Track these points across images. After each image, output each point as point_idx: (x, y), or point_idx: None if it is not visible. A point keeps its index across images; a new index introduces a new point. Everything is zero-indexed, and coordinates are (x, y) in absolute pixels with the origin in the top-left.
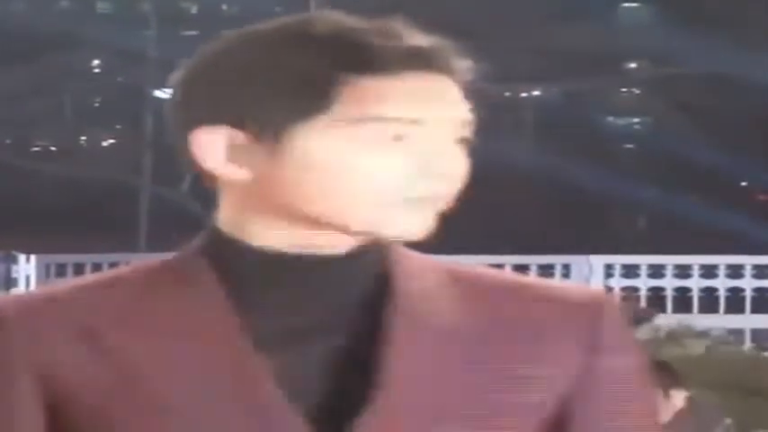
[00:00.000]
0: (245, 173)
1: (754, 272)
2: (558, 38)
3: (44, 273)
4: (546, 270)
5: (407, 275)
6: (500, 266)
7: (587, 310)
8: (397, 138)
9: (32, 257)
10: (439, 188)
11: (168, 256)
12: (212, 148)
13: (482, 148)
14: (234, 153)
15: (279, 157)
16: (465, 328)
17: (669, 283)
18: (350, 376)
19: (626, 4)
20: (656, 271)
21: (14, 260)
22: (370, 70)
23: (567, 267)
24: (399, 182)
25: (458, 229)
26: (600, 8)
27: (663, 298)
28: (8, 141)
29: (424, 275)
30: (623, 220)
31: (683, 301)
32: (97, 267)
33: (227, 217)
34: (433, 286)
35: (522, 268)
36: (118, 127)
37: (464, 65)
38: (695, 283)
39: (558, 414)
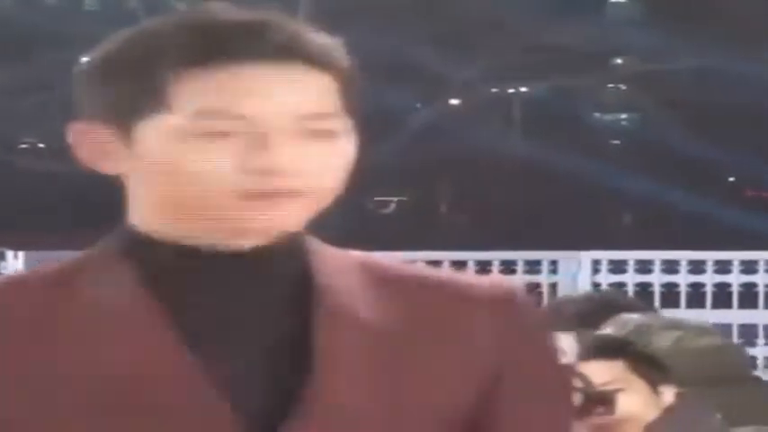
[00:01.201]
0: (115, 168)
1: (742, 267)
2: (546, 34)
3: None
4: (533, 266)
5: (327, 271)
6: (487, 263)
7: (499, 305)
8: (220, 133)
9: (20, 254)
10: (270, 183)
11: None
12: (79, 141)
13: (470, 144)
14: (102, 148)
15: (134, 154)
16: (384, 325)
17: (657, 278)
18: (277, 374)
19: (613, 0)
20: (644, 267)
21: (2, 257)
22: (201, 64)
23: (554, 263)
24: (223, 178)
25: (444, 225)
26: (587, 5)
27: (651, 294)
28: None
29: (342, 271)
30: (611, 215)
31: (669, 297)
32: None
33: (132, 212)
34: (352, 282)
35: (508, 264)
36: None
37: (334, 58)
38: (683, 279)
39: (474, 412)
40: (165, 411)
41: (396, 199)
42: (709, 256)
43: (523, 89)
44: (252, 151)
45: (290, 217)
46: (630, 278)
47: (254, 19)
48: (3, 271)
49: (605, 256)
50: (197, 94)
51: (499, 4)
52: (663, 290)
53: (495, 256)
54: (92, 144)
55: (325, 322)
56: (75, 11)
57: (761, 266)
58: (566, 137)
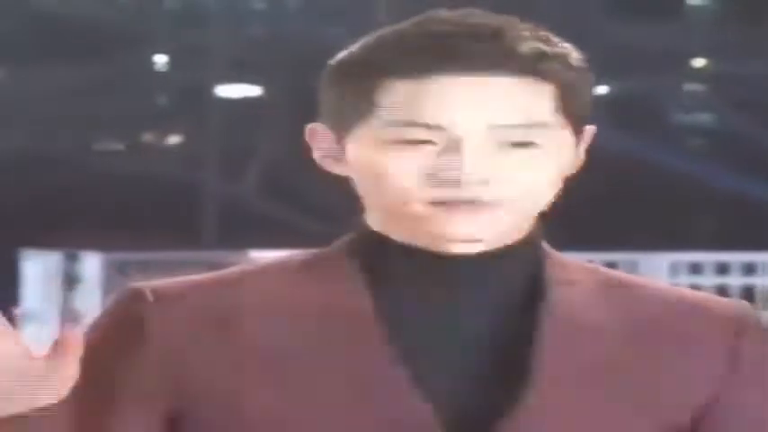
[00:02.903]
0: (338, 170)
1: None
2: (624, 35)
3: (108, 270)
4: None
5: (560, 280)
6: None
7: (731, 324)
8: (416, 141)
9: (96, 255)
10: (456, 194)
11: (267, 255)
12: (314, 141)
13: None
14: (328, 150)
15: (347, 158)
16: (613, 336)
17: (735, 281)
18: (492, 378)
19: (692, 2)
20: (724, 268)
21: (78, 258)
22: (409, 75)
23: (633, 264)
24: (413, 186)
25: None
26: (665, 5)
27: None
28: (72, 139)
29: (576, 280)
30: (692, 216)
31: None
32: (162, 265)
33: (368, 213)
34: (585, 292)
35: None
36: (182, 125)
37: (553, 68)
38: (761, 281)
39: (692, 428)
40: (369, 407)
41: None
42: None
43: (602, 89)
44: (440, 161)
45: (478, 227)
46: (708, 280)
47: (473, 27)
48: (79, 273)
49: (684, 258)
50: (398, 104)
51: (576, 4)
52: (742, 292)
53: (573, 257)
54: (320, 146)
55: (553, 333)
56: (154, 9)
57: None
58: (646, 137)
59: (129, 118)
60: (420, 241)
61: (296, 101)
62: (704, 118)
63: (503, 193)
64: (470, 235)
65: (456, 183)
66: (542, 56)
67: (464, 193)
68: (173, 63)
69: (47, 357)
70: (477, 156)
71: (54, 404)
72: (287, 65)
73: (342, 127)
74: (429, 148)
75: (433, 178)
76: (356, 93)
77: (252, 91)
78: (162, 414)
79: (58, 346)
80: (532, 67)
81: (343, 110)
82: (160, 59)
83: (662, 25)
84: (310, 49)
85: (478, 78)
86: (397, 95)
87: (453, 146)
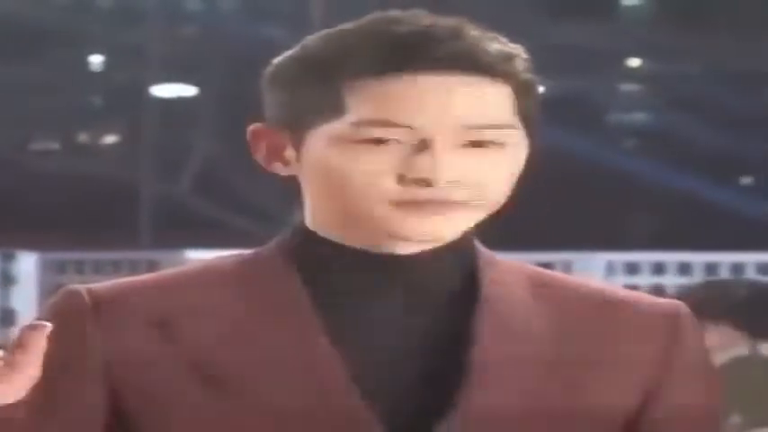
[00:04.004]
0: (286, 171)
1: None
2: (559, 34)
3: (44, 270)
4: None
5: (493, 279)
6: None
7: (664, 326)
8: (380, 141)
9: (32, 255)
10: (426, 194)
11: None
12: (255, 142)
13: None
14: (276, 151)
15: (302, 158)
16: (545, 336)
17: (671, 281)
18: (428, 377)
19: (627, 2)
20: (660, 269)
21: (14, 258)
22: (375, 74)
23: (569, 264)
24: (380, 186)
25: None
26: (601, 4)
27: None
28: (8, 138)
29: (510, 280)
30: (626, 216)
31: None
32: (98, 265)
33: (307, 214)
34: (517, 291)
35: None
36: (118, 125)
37: (512, 67)
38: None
39: (627, 423)
40: (306, 405)
41: None
42: (724, 258)
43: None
44: (411, 161)
45: (444, 227)
46: (645, 280)
47: (433, 28)
48: (15, 272)
49: (620, 258)
50: (367, 103)
51: (511, 4)
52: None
53: (506, 257)
54: (267, 146)
55: (486, 330)
56: (87, 9)
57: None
58: (581, 136)
59: (65, 118)
60: (374, 242)
61: (231, 101)
62: (640, 117)
63: (471, 194)
64: (438, 235)
65: (427, 183)
66: (505, 57)
67: (435, 194)
68: (108, 63)
69: (6, 356)
70: (447, 156)
71: (10, 404)
72: (222, 65)
73: (299, 127)
74: (397, 147)
75: (404, 178)
76: (319, 92)
77: (187, 91)
78: (105, 414)
79: (18, 346)
80: (496, 67)
81: (301, 109)
82: (95, 59)
83: (597, 25)
84: (246, 49)
85: (447, 78)
86: (366, 95)
87: (423, 146)
